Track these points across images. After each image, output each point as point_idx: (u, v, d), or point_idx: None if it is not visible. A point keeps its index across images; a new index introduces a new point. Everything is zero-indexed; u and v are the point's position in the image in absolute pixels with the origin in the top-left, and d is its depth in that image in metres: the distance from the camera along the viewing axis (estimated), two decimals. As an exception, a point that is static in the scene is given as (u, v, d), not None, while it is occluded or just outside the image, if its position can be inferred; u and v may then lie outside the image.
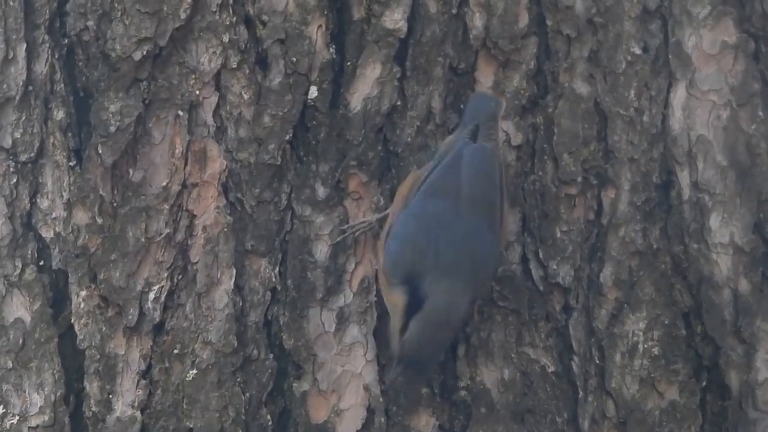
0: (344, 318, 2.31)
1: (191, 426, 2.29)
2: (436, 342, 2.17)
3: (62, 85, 2.38)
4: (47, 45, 2.38)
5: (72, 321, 2.34)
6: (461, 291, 2.15)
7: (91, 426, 2.32)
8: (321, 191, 2.33)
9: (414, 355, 2.17)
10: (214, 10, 2.34)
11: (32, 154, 2.38)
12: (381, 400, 2.29)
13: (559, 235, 2.34)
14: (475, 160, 2.21)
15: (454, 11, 2.35)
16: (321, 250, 2.33)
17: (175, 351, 2.32)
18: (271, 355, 2.31)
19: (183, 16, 2.33)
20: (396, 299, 2.18)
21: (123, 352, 2.33)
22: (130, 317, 2.32)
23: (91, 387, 2.33)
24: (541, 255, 2.33)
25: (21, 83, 2.38)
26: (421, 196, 2.21)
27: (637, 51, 2.36)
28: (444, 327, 2.16)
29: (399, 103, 2.34)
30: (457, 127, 2.29)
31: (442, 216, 2.18)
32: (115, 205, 2.35)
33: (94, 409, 2.32)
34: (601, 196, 2.35)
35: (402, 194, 2.25)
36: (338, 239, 2.32)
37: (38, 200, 2.38)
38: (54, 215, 2.37)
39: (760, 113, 2.37)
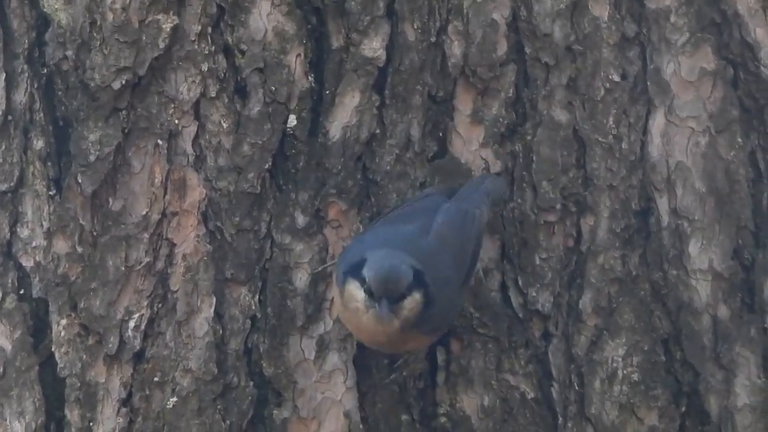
0: (324, 345, 2.34)
1: (172, 454, 2.33)
2: (390, 263, 2.11)
3: (42, 114, 2.41)
4: (26, 74, 2.41)
5: (52, 349, 2.37)
6: (400, 252, 2.13)
7: (72, 454, 2.35)
8: (300, 219, 2.36)
9: (376, 278, 2.11)
10: (193, 39, 2.37)
11: (12, 184, 2.41)
12: (361, 427, 2.32)
13: (538, 262, 2.36)
14: (458, 213, 2.22)
15: (432, 39, 2.37)
16: (301, 278, 2.35)
17: (156, 379, 2.35)
18: (252, 383, 2.34)
19: (162, 45, 2.36)
20: (349, 291, 2.15)
21: (103, 380, 2.35)
22: (110, 345, 2.35)
23: (72, 415, 2.36)
24: (520, 282, 2.36)
25: (0, 113, 2.41)
26: (380, 222, 2.23)
27: (616, 78, 2.39)
28: (390, 255, 2.12)
29: (378, 131, 2.37)
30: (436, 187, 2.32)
31: (401, 231, 2.19)
32: (95, 234, 2.37)
33: (75, 437, 2.35)
34: (580, 223, 2.38)
35: None
36: (319, 270, 2.35)
37: (18, 229, 2.41)
38: (34, 244, 2.40)
39: (739, 140, 2.40)
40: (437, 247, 2.18)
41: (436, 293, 2.14)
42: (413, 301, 2.12)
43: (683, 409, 2.36)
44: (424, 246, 2.18)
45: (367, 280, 2.11)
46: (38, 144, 2.40)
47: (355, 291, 2.13)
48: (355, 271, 2.13)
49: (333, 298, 2.29)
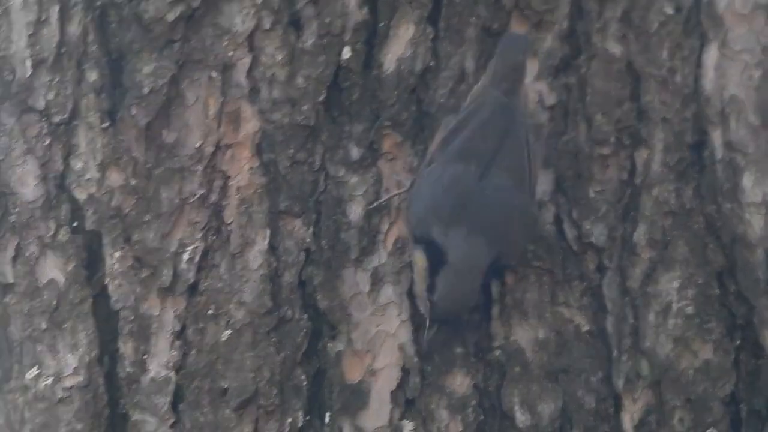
0: (379, 278, 2.36)
1: (226, 386, 2.34)
2: (464, 295, 2.24)
3: (95, 46, 2.43)
4: (80, 7, 2.43)
5: (106, 282, 2.39)
6: (481, 242, 2.20)
7: (125, 386, 2.37)
8: (355, 152, 2.38)
9: (445, 312, 2.24)
10: (248, -30, 2.39)
11: (65, 116, 2.43)
12: (416, 360, 2.34)
13: (592, 195, 2.38)
14: (498, 118, 2.25)
15: (487, -28, 2.40)
16: (355, 211, 2.37)
17: (210, 312, 2.36)
18: (306, 316, 2.36)
19: (216, -24, 2.38)
20: (417, 259, 2.24)
21: (157, 313, 2.37)
22: (164, 278, 2.37)
23: (126, 348, 2.37)
24: (574, 215, 2.38)
25: (54, 45, 2.43)
26: (441, 159, 2.26)
27: (670, 11, 2.41)
28: (468, 278, 2.22)
29: (432, 63, 2.39)
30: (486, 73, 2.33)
31: (461, 178, 2.23)
32: (148, 166, 2.39)
33: (128, 369, 2.37)
34: (634, 156, 2.40)
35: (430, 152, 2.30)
36: (374, 205, 2.37)
37: (71, 162, 2.43)
38: (88, 177, 2.42)
39: (793, 72, 2.43)
40: (493, 177, 2.23)
41: (509, 243, 2.25)
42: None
43: (738, 342, 2.38)
44: (482, 189, 2.23)
45: (434, 300, 2.25)
46: (92, 76, 2.42)
47: (424, 279, 2.25)
48: (425, 244, 2.22)
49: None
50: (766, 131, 2.41)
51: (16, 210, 2.44)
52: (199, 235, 2.38)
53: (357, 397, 2.34)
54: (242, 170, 2.39)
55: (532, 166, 2.27)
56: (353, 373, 2.35)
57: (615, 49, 2.41)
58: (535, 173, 2.29)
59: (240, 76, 2.40)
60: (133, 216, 2.39)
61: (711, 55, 2.42)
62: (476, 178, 2.23)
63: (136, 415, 2.36)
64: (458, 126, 2.26)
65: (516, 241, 2.28)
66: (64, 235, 2.41)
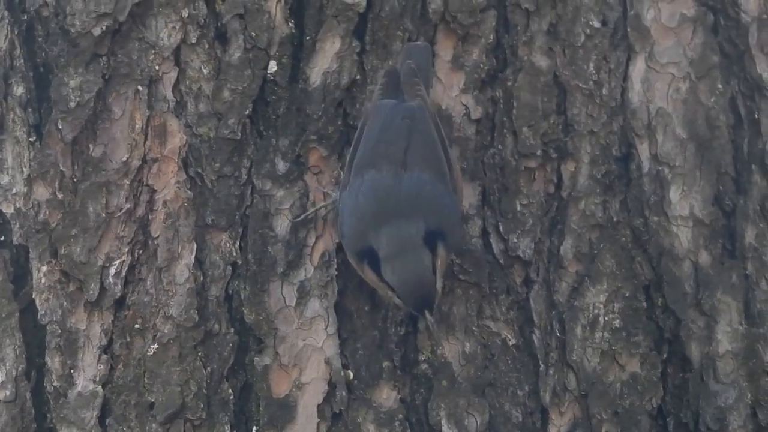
0: (305, 292, 2.37)
1: (153, 400, 2.35)
2: (413, 272, 2.19)
3: (22, 60, 2.44)
4: (6, 21, 2.45)
5: (33, 296, 2.40)
6: (405, 222, 2.19)
7: (52, 401, 2.38)
8: (281, 165, 2.39)
9: (408, 293, 2.20)
10: (173, -16, 2.40)
11: (-8, 130, 2.45)
12: (342, 373, 2.35)
13: (519, 208, 2.39)
14: (396, 121, 2.26)
15: (413, -15, 2.41)
16: (281, 225, 2.39)
17: (137, 326, 2.38)
18: (232, 330, 2.37)
19: (142, -9, 2.39)
20: (369, 275, 2.24)
21: (84, 327, 2.38)
22: (91, 292, 2.38)
23: (53, 362, 2.38)
24: (501, 228, 2.39)
25: (-20, 59, 2.45)
26: (354, 171, 2.26)
27: (596, 24, 2.43)
28: (406, 256, 2.19)
29: (358, 77, 2.40)
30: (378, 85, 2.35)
31: (376, 181, 2.23)
32: (75, 180, 2.41)
33: (55, 384, 2.38)
34: (560, 169, 2.41)
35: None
36: (301, 218, 2.37)
37: (-2, 176, 2.45)
38: (14, 191, 2.43)
39: (719, 86, 2.44)
40: (411, 172, 2.22)
41: (448, 226, 2.22)
42: (442, 261, 2.21)
43: (665, 355, 2.39)
44: (407, 186, 2.22)
45: (398, 294, 2.21)
46: (18, 90, 2.44)
47: (384, 286, 2.22)
48: (369, 256, 2.21)
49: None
50: (692, 144, 2.42)
51: (-56, 224, 2.46)
52: (126, 249, 2.39)
53: (284, 411, 2.35)
54: (169, 184, 2.40)
55: (449, 156, 2.28)
56: (280, 387, 2.36)
57: (541, 62, 2.42)
58: (453, 164, 2.29)
59: (166, 89, 2.41)
60: (60, 230, 2.40)
61: (638, 68, 2.43)
62: (391, 177, 2.23)
63: (63, 430, 2.37)
64: (356, 142, 2.28)
65: (450, 222, 2.25)
66: (-10, 250, 2.43)
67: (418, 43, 2.38)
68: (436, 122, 2.29)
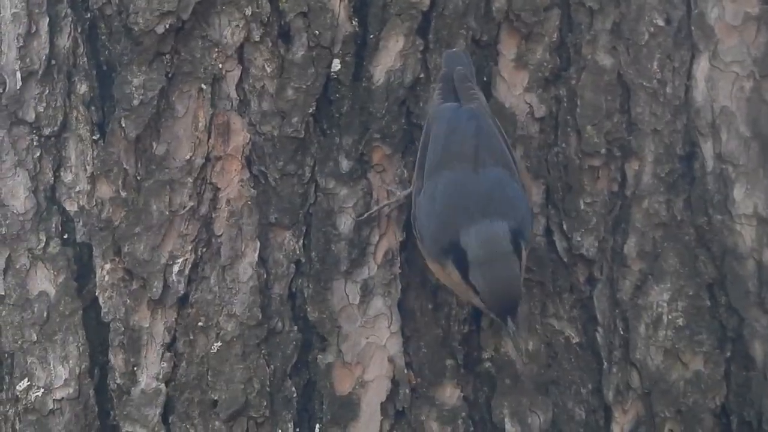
0: (368, 290, 2.39)
1: (216, 398, 2.37)
2: (503, 279, 2.20)
3: (85, 59, 2.46)
4: (70, 19, 2.46)
5: (96, 294, 2.42)
6: (493, 224, 2.20)
7: (115, 398, 2.39)
8: (344, 164, 2.41)
9: (496, 303, 2.21)
10: (237, -18, 2.42)
11: (55, 128, 2.46)
12: (405, 371, 2.36)
13: (582, 207, 2.41)
14: (462, 123, 2.28)
15: (477, -17, 2.42)
16: (345, 223, 2.40)
17: (200, 323, 2.39)
18: (296, 328, 2.38)
19: (206, -11, 2.41)
20: (453, 275, 2.24)
21: (147, 325, 2.40)
22: (154, 290, 2.40)
23: (116, 360, 2.40)
24: (565, 227, 2.40)
25: (44, 57, 2.46)
26: (426, 175, 2.27)
27: (660, 23, 2.44)
28: (496, 262, 2.19)
29: (422, 75, 2.42)
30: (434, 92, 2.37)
31: (457, 182, 2.25)
32: (138, 178, 2.42)
33: (118, 381, 2.39)
34: (624, 167, 2.42)
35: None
36: (364, 216, 2.39)
37: (62, 174, 2.46)
38: (78, 189, 2.45)
39: (783, 84, 2.45)
40: (486, 170, 2.24)
41: (525, 224, 2.24)
42: (525, 258, 2.23)
43: (728, 354, 2.40)
44: (485, 182, 2.24)
45: (482, 299, 2.21)
46: (82, 88, 2.46)
47: (467, 288, 2.22)
48: (455, 255, 2.20)
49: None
50: (756, 143, 2.43)
51: (7, 222, 2.47)
52: (189, 247, 2.40)
53: (347, 409, 2.36)
54: (232, 182, 2.42)
55: (514, 155, 2.30)
56: (343, 385, 2.37)
57: (605, 60, 2.43)
58: (519, 162, 2.32)
59: (230, 88, 2.43)
60: (123, 228, 2.42)
61: (702, 67, 2.45)
62: (468, 174, 2.25)
63: (126, 427, 2.39)
64: (423, 147, 2.29)
65: (525, 217, 2.26)
66: (54, 247, 2.44)
67: (456, 50, 2.39)
68: (496, 123, 2.30)
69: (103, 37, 2.46)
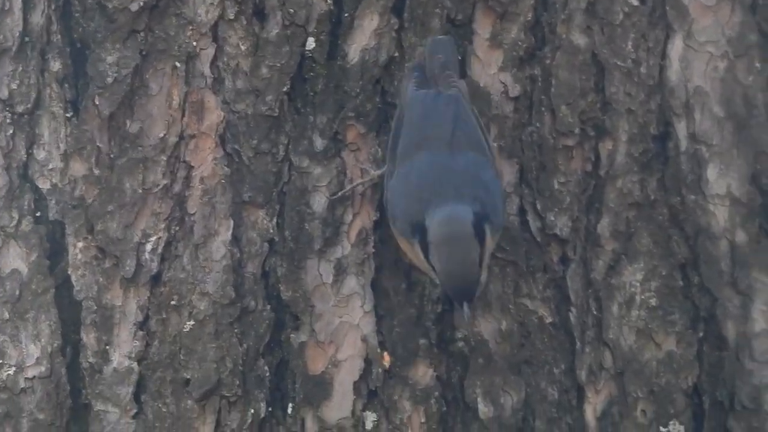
0: (342, 269, 2.39)
1: (188, 377, 2.37)
2: (459, 262, 2.18)
3: (59, 36, 2.46)
4: (43, -4, 2.46)
5: (69, 272, 2.42)
6: (456, 206, 2.20)
7: (87, 377, 2.40)
8: (319, 143, 2.41)
9: (451, 283, 2.20)
10: (212, -40, 2.42)
11: (29, 106, 2.46)
12: (378, 351, 2.37)
13: (556, 186, 2.41)
14: (439, 107, 2.28)
15: (451, -38, 2.43)
16: (319, 202, 2.40)
17: (173, 302, 2.39)
18: (269, 307, 2.39)
19: (180, -34, 2.41)
20: (420, 254, 2.24)
21: (120, 303, 2.40)
22: (127, 268, 2.40)
23: (88, 338, 2.40)
24: (538, 206, 2.41)
25: (17, 34, 2.46)
26: (399, 158, 2.27)
27: (635, 2, 2.45)
28: (454, 244, 2.19)
29: (396, 54, 2.42)
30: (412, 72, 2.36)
31: (432, 163, 2.25)
32: (112, 156, 2.42)
33: (90, 360, 2.40)
34: (598, 147, 2.43)
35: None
36: (338, 195, 2.39)
37: (35, 151, 2.46)
38: (51, 166, 2.45)
39: (757, 64, 2.46)
40: (466, 158, 2.24)
41: (494, 209, 2.23)
42: (489, 248, 2.22)
43: (701, 334, 2.41)
44: (460, 164, 2.24)
45: (440, 281, 2.21)
46: (55, 66, 2.45)
47: (429, 268, 2.22)
48: (420, 234, 2.20)
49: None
50: (730, 123, 2.44)
51: (-21, 200, 2.47)
52: (163, 226, 2.41)
53: (320, 388, 2.37)
54: (206, 161, 2.42)
55: (489, 144, 2.30)
56: (316, 364, 2.38)
57: (580, 40, 2.44)
58: (494, 152, 2.32)
59: (204, 66, 2.43)
60: (96, 206, 2.42)
61: (676, 47, 2.45)
62: (444, 156, 2.25)
63: (98, 406, 2.39)
64: (395, 132, 2.30)
65: (496, 203, 2.26)
66: (27, 225, 2.44)
67: (442, 36, 2.40)
68: (473, 109, 2.31)
69: (76, 15, 2.46)
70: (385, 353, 2.37)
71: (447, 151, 2.25)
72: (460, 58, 2.40)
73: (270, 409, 2.37)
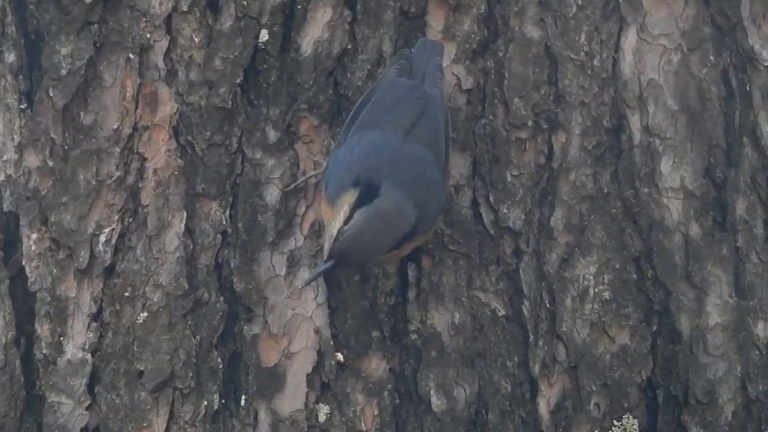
0: (295, 261, 2.40)
1: (142, 368, 2.38)
2: (375, 238, 2.21)
3: (13, 27, 2.48)
4: (-2, -12, 2.48)
5: (23, 263, 2.43)
6: (408, 201, 2.22)
7: (41, 368, 2.41)
8: (272, 135, 2.42)
9: (350, 245, 2.21)
10: (165, -48, 2.43)
11: (-17, 97, 2.48)
12: (332, 343, 2.38)
13: (509, 179, 2.42)
14: (412, 97, 2.30)
15: (403, -45, 2.44)
16: (272, 194, 2.41)
17: (126, 294, 2.41)
18: (222, 298, 2.40)
19: (134, -42, 2.42)
20: (344, 200, 2.22)
21: (74, 295, 2.41)
22: (81, 260, 2.41)
23: (42, 329, 2.41)
24: (491, 199, 2.42)
25: (-29, 26, 2.48)
26: (353, 132, 2.28)
27: (588, -5, 2.45)
28: (386, 225, 2.21)
29: (350, 46, 2.43)
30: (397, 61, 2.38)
31: (384, 140, 2.26)
32: (66, 148, 2.44)
33: (45, 351, 2.41)
34: (551, 140, 2.44)
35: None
36: (291, 187, 2.40)
37: (-11, 143, 2.48)
38: (5, 158, 2.46)
39: (711, 58, 2.46)
40: (413, 143, 2.25)
41: (427, 212, 2.24)
42: (406, 248, 2.26)
43: (654, 327, 2.42)
44: (409, 153, 2.25)
45: (338, 241, 2.21)
46: (10, 57, 2.47)
47: (333, 213, 2.23)
48: (364, 186, 2.21)
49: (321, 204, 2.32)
50: (684, 116, 2.45)
51: (-66, 191, 2.49)
52: (116, 217, 2.42)
53: (273, 380, 2.38)
54: (159, 152, 2.43)
55: (448, 152, 2.31)
56: (269, 357, 2.39)
57: (533, 32, 2.45)
58: (449, 160, 2.33)
59: (157, 58, 2.44)
60: (50, 197, 2.43)
61: (629, 40, 2.46)
62: (396, 138, 2.27)
63: (52, 397, 2.40)
64: (358, 108, 2.31)
65: (432, 209, 2.28)
66: (-20, 216, 2.46)
67: (435, 39, 2.42)
68: (446, 117, 2.32)
69: (31, 6, 2.47)
70: (339, 354, 2.38)
71: (401, 137, 2.26)
72: (411, 50, 2.41)
73: (223, 401, 2.38)
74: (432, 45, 2.39)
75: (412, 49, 2.38)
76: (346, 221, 2.20)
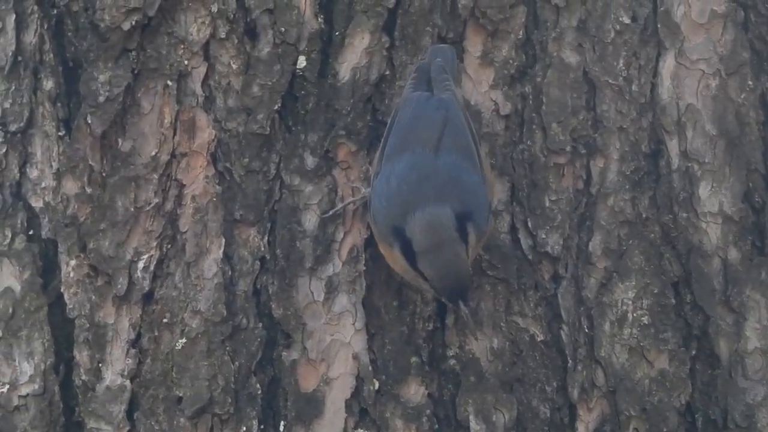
0: (333, 287, 2.41)
1: (181, 395, 2.39)
2: (450, 265, 2.23)
3: (51, 55, 2.49)
4: (36, 15, 2.49)
5: (62, 290, 2.45)
6: (436, 209, 2.23)
7: (80, 395, 2.42)
8: (310, 161, 2.43)
9: (446, 289, 2.24)
10: (203, -21, 2.45)
11: (21, 124, 2.49)
12: (370, 368, 2.38)
13: (548, 204, 2.43)
14: (429, 111, 2.31)
15: (442, -20, 2.45)
16: (310, 220, 2.42)
17: (165, 320, 2.42)
18: (260, 324, 2.41)
19: (171, -15, 2.44)
20: (399, 260, 2.27)
21: (112, 321, 2.42)
22: (119, 286, 2.42)
23: (81, 356, 2.42)
24: (530, 224, 2.42)
25: (10, 54, 2.49)
26: (385, 159, 2.31)
27: (626, 20, 2.46)
28: (442, 249, 2.23)
29: (388, 72, 2.44)
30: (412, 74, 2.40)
31: (415, 164, 2.27)
32: (104, 174, 2.45)
33: (83, 377, 2.42)
34: (590, 165, 2.45)
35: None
36: (329, 214, 2.41)
37: (27, 170, 2.49)
38: (43, 185, 2.47)
39: (750, 82, 2.47)
40: (451, 160, 2.27)
41: (477, 209, 2.26)
42: (475, 244, 2.25)
43: (693, 352, 2.42)
44: (442, 166, 2.27)
45: (432, 286, 2.25)
46: (48, 85, 2.48)
47: (415, 275, 2.27)
48: (400, 240, 2.24)
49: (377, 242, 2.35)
50: (722, 141, 2.45)
51: (-27, 218, 2.50)
52: (154, 244, 2.43)
53: (311, 406, 2.39)
54: (197, 179, 2.44)
55: (479, 148, 2.33)
56: (308, 382, 2.40)
57: (571, 58, 2.46)
58: (483, 156, 2.34)
59: (195, 84, 2.46)
60: (88, 224, 2.44)
61: (668, 65, 2.47)
62: (427, 158, 2.28)
63: (91, 423, 2.41)
64: (387, 133, 2.33)
65: (475, 205, 2.28)
66: (19, 243, 2.47)
67: (444, 45, 2.43)
68: (466, 115, 2.33)
69: (69, 34, 2.49)
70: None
71: (431, 153, 2.28)
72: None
73: (262, 426, 2.39)
74: (441, 51, 2.40)
75: (424, 59, 2.40)
76: (423, 277, 2.24)
